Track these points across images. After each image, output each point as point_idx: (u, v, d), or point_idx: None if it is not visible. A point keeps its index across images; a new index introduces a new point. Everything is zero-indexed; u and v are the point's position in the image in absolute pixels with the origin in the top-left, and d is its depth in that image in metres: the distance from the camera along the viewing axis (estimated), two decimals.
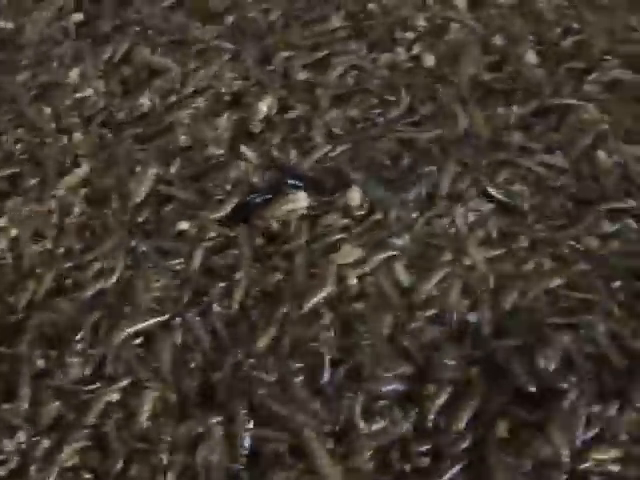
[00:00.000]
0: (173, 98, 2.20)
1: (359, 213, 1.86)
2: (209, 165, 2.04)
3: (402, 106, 2.12)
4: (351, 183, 1.88)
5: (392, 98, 2.15)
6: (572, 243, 1.80)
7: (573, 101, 2.09)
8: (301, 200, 1.89)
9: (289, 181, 1.94)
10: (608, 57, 2.20)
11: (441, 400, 1.57)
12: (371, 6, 2.42)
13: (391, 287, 1.74)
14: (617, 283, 1.72)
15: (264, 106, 2.14)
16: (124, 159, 2.05)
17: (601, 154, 1.96)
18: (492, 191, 1.90)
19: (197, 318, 1.73)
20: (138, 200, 1.96)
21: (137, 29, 2.41)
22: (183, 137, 2.09)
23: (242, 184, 1.98)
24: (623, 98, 2.14)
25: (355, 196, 1.87)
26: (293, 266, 1.77)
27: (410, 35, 2.32)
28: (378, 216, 1.85)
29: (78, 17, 2.51)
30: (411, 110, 2.12)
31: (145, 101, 2.20)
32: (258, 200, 1.94)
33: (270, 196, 1.92)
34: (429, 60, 2.24)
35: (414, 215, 1.84)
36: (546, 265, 1.77)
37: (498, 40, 2.27)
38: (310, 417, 1.55)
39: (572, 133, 2.03)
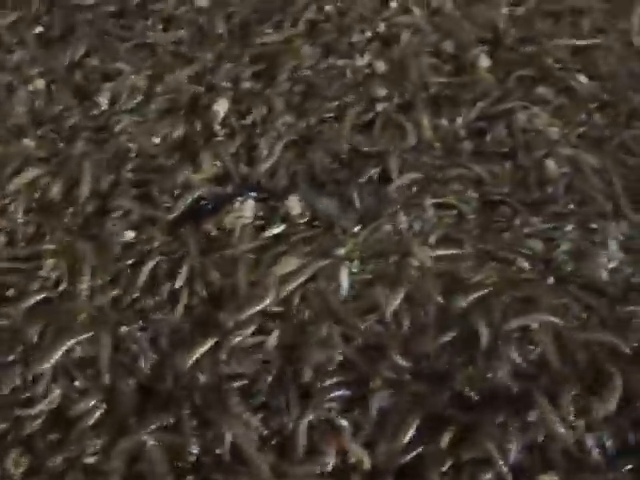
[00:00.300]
0: (126, 104, 2.18)
1: (301, 221, 1.86)
2: (159, 171, 2.02)
3: (353, 112, 2.12)
4: (293, 191, 1.89)
5: (345, 103, 2.16)
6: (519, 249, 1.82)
7: (524, 106, 2.11)
8: (248, 209, 1.88)
9: (244, 191, 1.94)
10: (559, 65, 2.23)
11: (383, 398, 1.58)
12: (328, 8, 2.43)
13: (333, 295, 1.73)
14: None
15: (220, 109, 2.13)
16: (74, 165, 2.02)
17: (550, 163, 1.97)
18: (440, 198, 1.91)
19: (140, 324, 1.72)
20: (85, 204, 1.94)
21: (94, 34, 2.39)
22: (132, 143, 2.07)
23: (192, 190, 1.96)
24: (577, 104, 2.15)
25: (295, 205, 1.86)
26: (235, 273, 1.76)
27: (364, 40, 2.33)
28: (321, 224, 1.85)
29: (37, 27, 2.49)
30: (362, 116, 2.12)
31: (99, 105, 2.18)
32: (209, 206, 1.93)
33: (218, 204, 1.91)
34: (380, 66, 2.25)
35: (358, 227, 1.84)
36: (491, 269, 1.78)
37: (449, 47, 2.28)
38: (248, 430, 1.54)
39: (522, 139, 2.03)
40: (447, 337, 1.67)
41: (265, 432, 1.55)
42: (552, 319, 1.68)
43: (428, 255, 1.79)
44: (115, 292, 1.78)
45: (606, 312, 1.70)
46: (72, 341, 1.67)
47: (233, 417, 1.54)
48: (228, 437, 1.52)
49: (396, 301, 1.72)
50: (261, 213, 1.88)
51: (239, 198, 1.89)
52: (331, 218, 1.85)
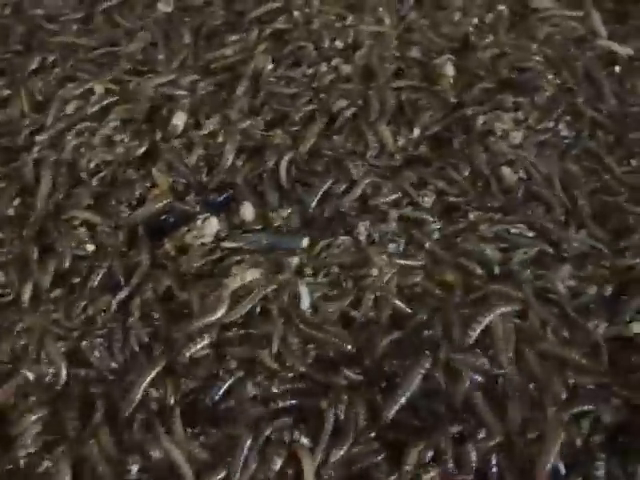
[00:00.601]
0: (86, 113, 2.15)
1: (255, 227, 1.85)
2: (119, 184, 2.00)
3: (319, 121, 2.11)
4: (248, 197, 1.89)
5: (309, 111, 2.15)
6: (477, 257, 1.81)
7: (488, 113, 2.09)
8: (210, 228, 1.85)
9: (208, 200, 1.94)
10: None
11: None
12: (296, 14, 2.41)
13: (290, 306, 1.72)
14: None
15: (179, 121, 2.11)
16: (30, 173, 2.01)
17: (506, 170, 1.95)
18: (400, 206, 1.91)
19: (95, 336, 1.72)
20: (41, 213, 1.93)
21: (57, 42, 2.37)
22: (90, 154, 2.04)
23: (151, 202, 1.95)
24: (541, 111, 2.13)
25: (248, 211, 1.86)
26: (191, 288, 1.75)
27: (330, 47, 2.31)
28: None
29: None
30: (325, 124, 2.11)
31: (58, 113, 2.16)
32: (170, 221, 1.92)
33: (180, 220, 1.90)
34: (345, 69, 2.23)
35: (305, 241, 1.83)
36: (450, 274, 1.78)
37: (415, 54, 2.27)
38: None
39: (483, 146, 2.02)
40: (402, 345, 1.67)
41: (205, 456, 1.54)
42: (510, 308, 1.68)
43: (387, 264, 1.78)
44: (69, 304, 1.77)
45: (562, 325, 1.69)
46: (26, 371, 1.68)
47: (172, 438, 1.54)
48: (157, 454, 1.53)
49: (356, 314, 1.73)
50: (225, 232, 1.86)
51: (201, 216, 1.87)
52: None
